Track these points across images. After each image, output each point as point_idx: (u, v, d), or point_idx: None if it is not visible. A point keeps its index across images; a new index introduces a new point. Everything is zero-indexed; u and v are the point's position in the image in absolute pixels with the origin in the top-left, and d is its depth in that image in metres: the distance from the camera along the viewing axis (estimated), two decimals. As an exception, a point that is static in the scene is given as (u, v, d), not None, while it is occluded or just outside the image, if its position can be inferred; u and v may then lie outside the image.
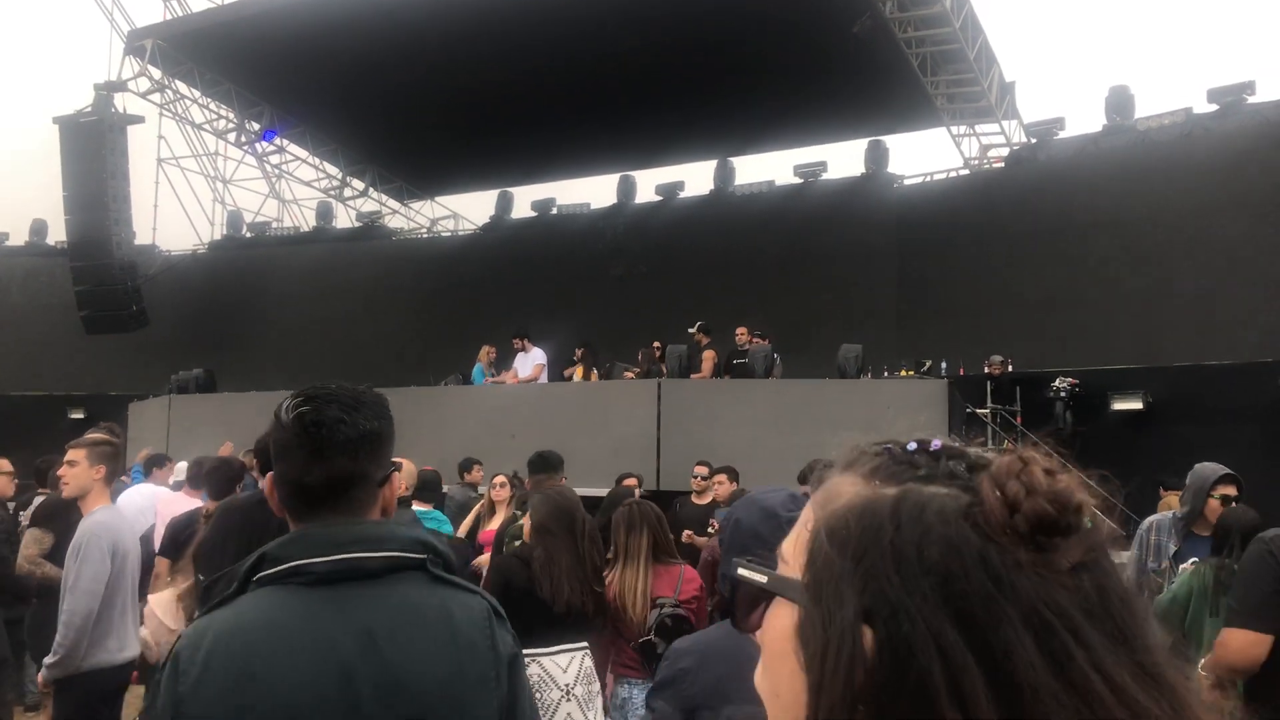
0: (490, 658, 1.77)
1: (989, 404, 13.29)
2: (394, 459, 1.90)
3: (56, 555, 5.36)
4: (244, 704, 1.57)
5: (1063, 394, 13.32)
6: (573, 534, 4.30)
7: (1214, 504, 4.76)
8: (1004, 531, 0.67)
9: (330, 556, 1.68)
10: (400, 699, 1.65)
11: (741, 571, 0.80)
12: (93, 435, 4.80)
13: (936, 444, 0.76)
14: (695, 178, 20.15)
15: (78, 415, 19.49)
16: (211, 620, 1.65)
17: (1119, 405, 13.28)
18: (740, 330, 13.28)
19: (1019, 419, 13.35)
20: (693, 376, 12.50)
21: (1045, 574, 0.66)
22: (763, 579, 0.78)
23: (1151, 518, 5.51)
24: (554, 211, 21.28)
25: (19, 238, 24.02)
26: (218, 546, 4.42)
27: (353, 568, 1.68)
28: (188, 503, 6.39)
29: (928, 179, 18.04)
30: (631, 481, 8.38)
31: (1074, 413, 13.32)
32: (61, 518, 5.57)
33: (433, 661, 1.69)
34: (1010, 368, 13.98)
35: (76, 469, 4.50)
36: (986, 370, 13.84)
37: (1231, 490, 4.77)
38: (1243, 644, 3.38)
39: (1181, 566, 4.57)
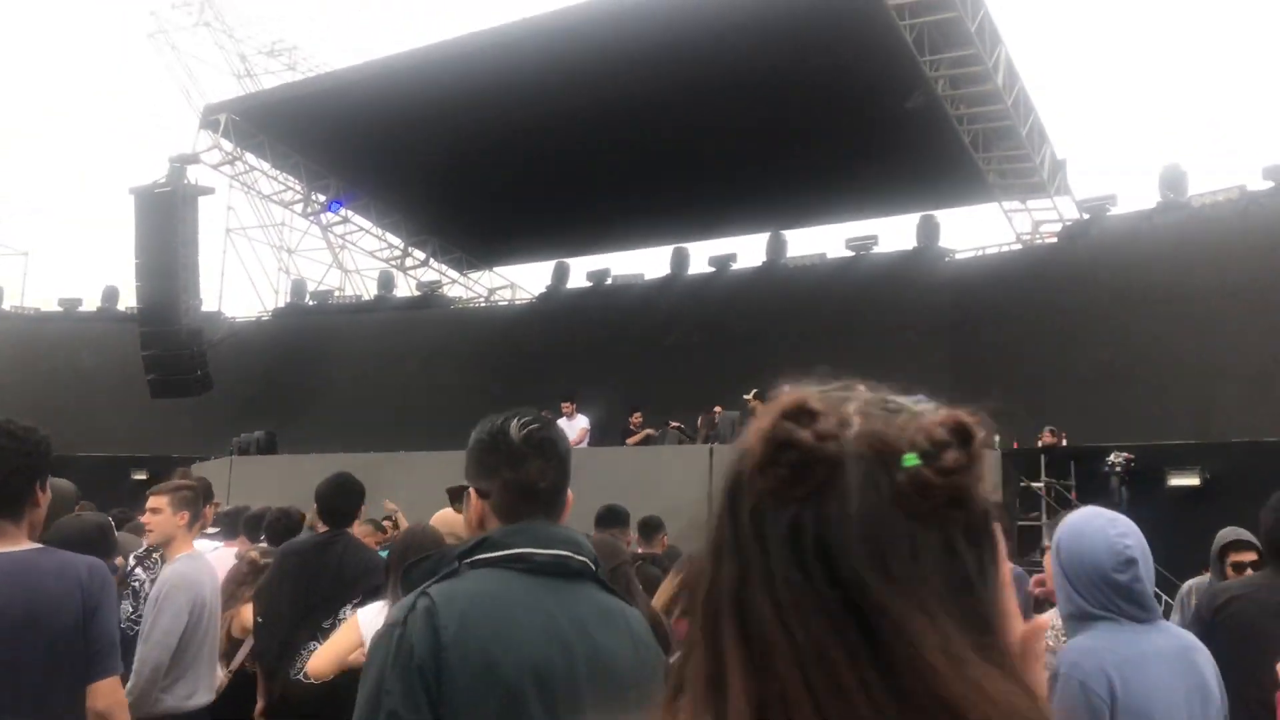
0: (660, 659, 2.07)
1: (1043, 477, 13.20)
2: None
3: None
4: (497, 657, 1.81)
5: (1118, 468, 13.19)
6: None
7: (1229, 571, 4.76)
8: (748, 469, 0.76)
9: (549, 550, 1.96)
10: (607, 679, 1.88)
11: None
12: (174, 481, 4.80)
13: None
14: (748, 250, 20.44)
15: (140, 476, 19.90)
16: (454, 585, 1.90)
17: (1175, 481, 13.11)
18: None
19: (1074, 494, 13.24)
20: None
21: (768, 499, 0.75)
22: None
23: (1190, 581, 5.52)
24: (609, 282, 21.61)
25: (91, 304, 24.88)
26: (274, 586, 4.61)
27: (561, 563, 1.96)
28: (231, 553, 6.44)
29: (980, 253, 18.12)
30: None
31: (1129, 488, 13.18)
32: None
33: (622, 656, 1.94)
34: (1064, 441, 13.87)
35: (160, 516, 4.47)
36: (1040, 444, 13.76)
37: (1247, 556, 4.75)
38: None
39: None
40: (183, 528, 4.52)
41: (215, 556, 7.20)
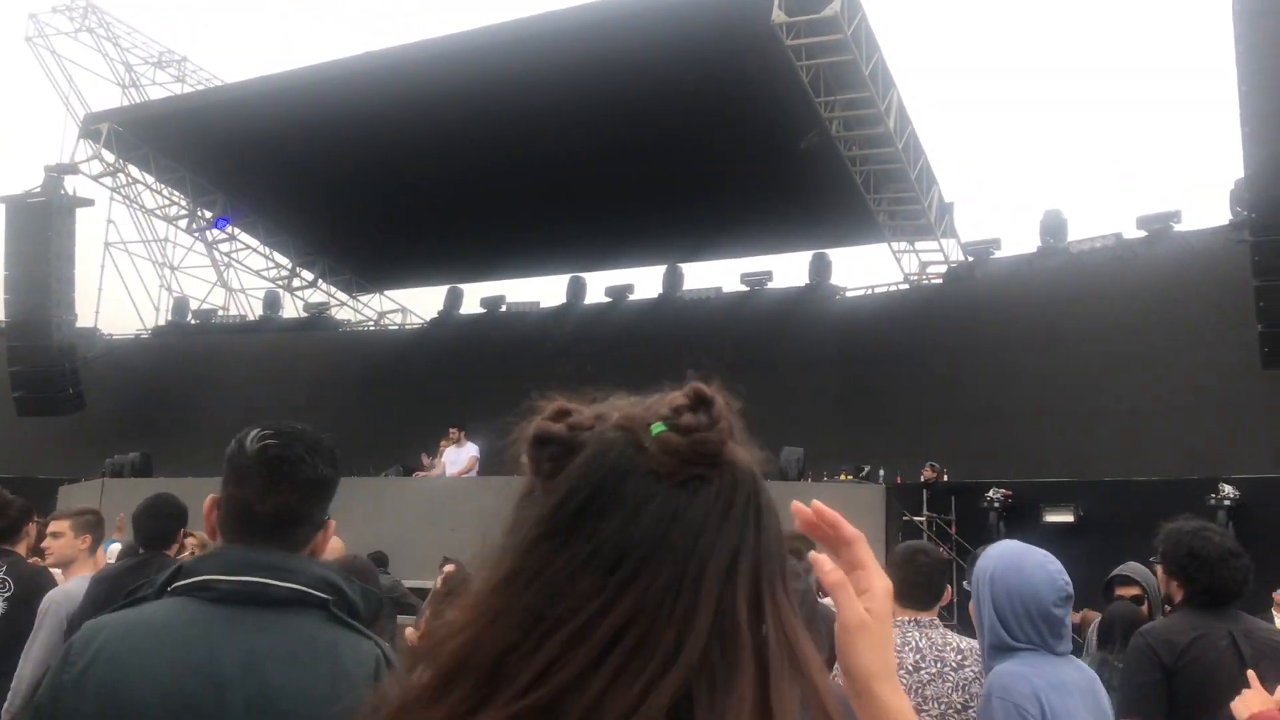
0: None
1: (925, 511, 13.48)
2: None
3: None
4: (117, 700, 1.65)
5: (996, 504, 13.55)
6: None
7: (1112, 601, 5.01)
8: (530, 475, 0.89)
9: (237, 577, 1.77)
10: (269, 717, 1.71)
11: None
12: (77, 506, 5.05)
13: None
14: (645, 281, 20.53)
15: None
16: (110, 618, 1.77)
17: (1050, 517, 13.51)
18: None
19: (954, 528, 13.54)
20: None
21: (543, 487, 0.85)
22: None
23: (1090, 615, 5.75)
24: (503, 309, 21.45)
25: (-45, 317, 23.67)
26: (84, 615, 4.39)
27: (256, 592, 1.77)
28: None
29: (869, 292, 18.52)
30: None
31: (1007, 523, 13.54)
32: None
33: (309, 694, 1.74)
34: (946, 477, 14.20)
35: (62, 540, 4.57)
36: (922, 479, 14.06)
37: (1130, 591, 4.95)
38: None
39: None
40: (85, 550, 4.65)
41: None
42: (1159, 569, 3.90)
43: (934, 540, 12.93)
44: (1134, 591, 5.00)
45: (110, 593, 4.23)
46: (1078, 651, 5.43)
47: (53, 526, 4.69)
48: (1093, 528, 13.38)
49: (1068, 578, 2.78)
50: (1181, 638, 3.54)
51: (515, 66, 14.32)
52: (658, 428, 0.83)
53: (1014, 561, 2.86)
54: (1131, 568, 5.22)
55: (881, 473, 14.30)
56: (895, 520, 12.03)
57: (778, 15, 12.73)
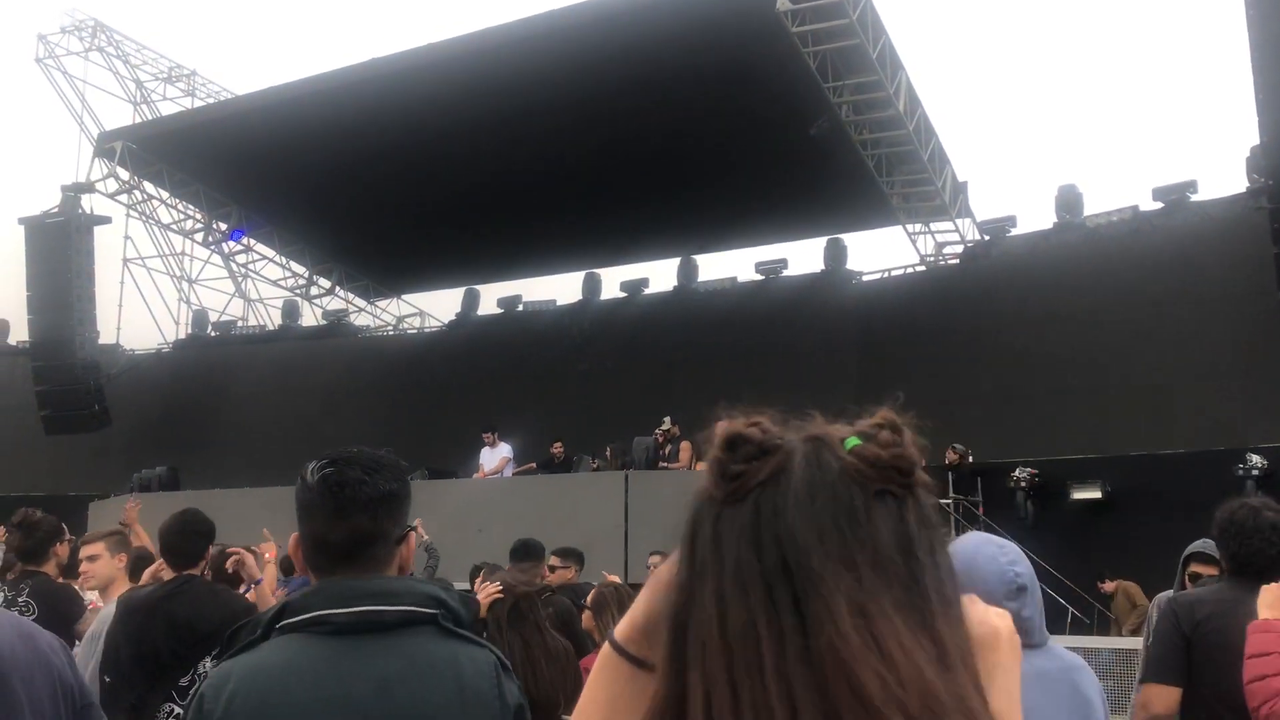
0: (496, 707, 1.88)
1: (951, 494, 13.44)
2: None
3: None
4: None
5: (1023, 484, 13.53)
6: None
7: (1187, 581, 4.84)
8: (708, 480, 0.87)
9: (349, 608, 1.80)
10: None
11: None
12: (105, 528, 4.98)
13: None
14: (660, 275, 20.51)
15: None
16: (236, 663, 1.79)
17: (1078, 495, 13.48)
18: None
19: (980, 509, 13.51)
20: (671, 466, 12.64)
21: (731, 499, 0.85)
22: None
23: (1159, 595, 5.56)
24: (520, 308, 21.49)
25: (-20, 338, 23.91)
26: (116, 643, 4.31)
27: (369, 620, 1.81)
28: None
29: (885, 275, 18.46)
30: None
31: (1035, 502, 13.51)
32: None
33: (442, 709, 1.81)
34: (970, 458, 14.15)
35: (99, 561, 4.54)
36: (946, 461, 14.01)
37: (1205, 569, 4.81)
38: (1150, 696, 3.56)
39: None
40: (122, 569, 4.62)
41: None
42: None
43: (962, 523, 12.92)
44: (1206, 570, 4.81)
45: (145, 624, 4.04)
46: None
47: (87, 550, 4.63)
48: (1121, 503, 13.35)
49: (1022, 568, 2.65)
50: (1205, 607, 3.56)
51: (520, 64, 14.34)
52: (853, 441, 0.86)
53: (968, 556, 2.78)
54: (1208, 544, 5.05)
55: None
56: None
57: (783, 3, 12.71)
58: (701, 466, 0.88)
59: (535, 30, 14.36)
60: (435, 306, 24.33)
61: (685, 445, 12.99)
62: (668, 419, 13.43)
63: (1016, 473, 13.66)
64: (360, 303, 24.34)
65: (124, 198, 19.91)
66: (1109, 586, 11.73)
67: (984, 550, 2.73)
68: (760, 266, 19.32)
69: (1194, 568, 4.87)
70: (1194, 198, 15.44)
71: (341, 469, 1.91)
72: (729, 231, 19.22)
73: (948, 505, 13.18)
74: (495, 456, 13.60)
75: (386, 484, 1.92)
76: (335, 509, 1.88)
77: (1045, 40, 49.74)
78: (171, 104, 22.63)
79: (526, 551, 6.52)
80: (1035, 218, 17.37)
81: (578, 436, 15.12)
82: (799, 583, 0.79)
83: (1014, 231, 17.10)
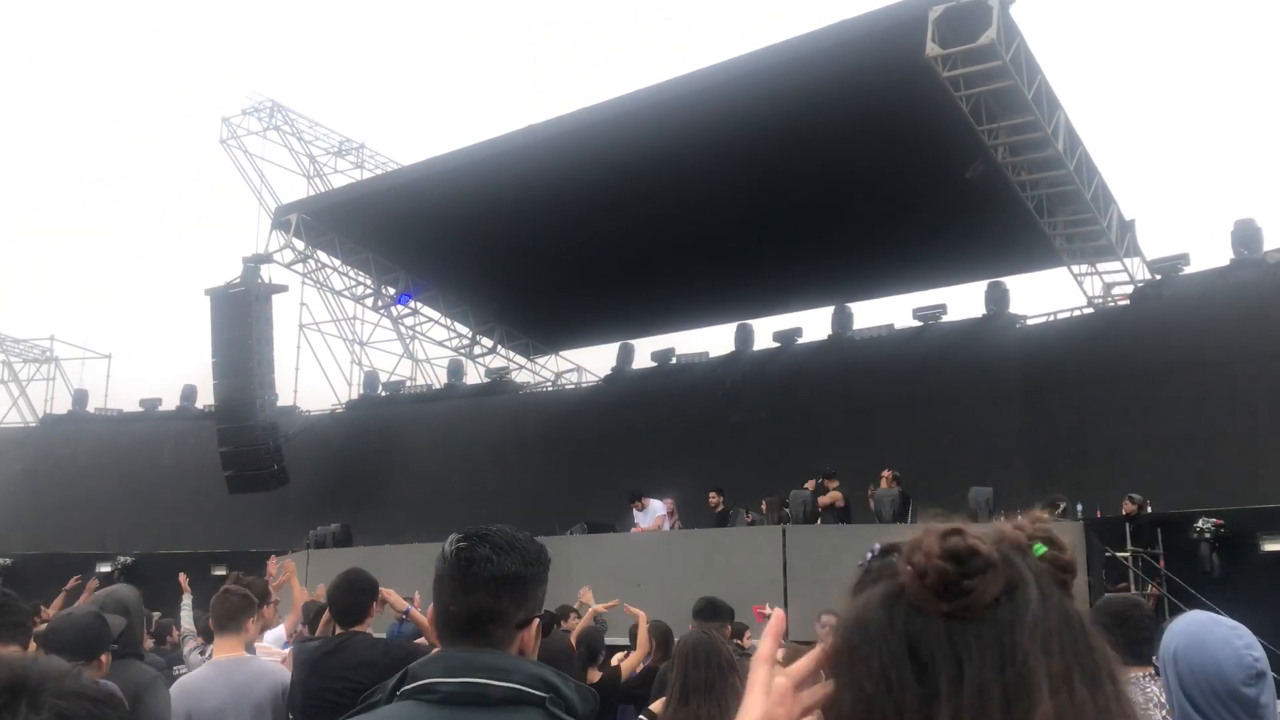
0: None
1: (1129, 547, 12.79)
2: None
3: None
4: None
5: (1207, 535, 12.75)
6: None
7: None
8: (924, 593, 0.91)
9: (457, 679, 1.84)
10: None
11: None
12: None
13: (875, 547, 1.01)
14: (813, 324, 20.35)
15: (220, 571, 20.16)
16: None
17: (1269, 546, 12.64)
18: (884, 473, 13.25)
19: (1161, 562, 12.80)
20: (819, 500, 12.53)
21: (960, 614, 0.90)
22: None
23: None
24: (673, 361, 21.65)
25: (170, 403, 25.54)
26: (289, 696, 4.61)
27: (476, 693, 1.82)
28: None
29: (1051, 318, 17.85)
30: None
31: (1221, 555, 12.72)
32: None
33: None
34: (1149, 508, 13.45)
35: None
36: (1124, 512, 13.36)
37: None
38: None
39: None
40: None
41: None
42: None
43: (1141, 576, 12.29)
44: None
45: (308, 678, 4.35)
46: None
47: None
48: (1319, 555, 12.46)
49: (1260, 653, 2.53)
50: None
51: (673, 124, 14.56)
52: (1040, 548, 0.96)
53: (1197, 637, 2.63)
54: None
55: (1080, 507, 13.66)
56: (1097, 557, 11.46)
57: (932, 49, 12.56)
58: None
59: (687, 89, 14.57)
60: (592, 361, 24.78)
61: (836, 495, 12.85)
62: (823, 472, 13.28)
63: (1200, 523, 12.89)
64: (521, 360, 24.94)
65: (299, 267, 21.00)
66: None
67: (1215, 632, 2.62)
68: (918, 312, 18.95)
69: None
70: (1388, 227, 14.47)
71: (473, 545, 1.95)
72: (884, 278, 18.96)
73: (1125, 558, 12.55)
74: (648, 518, 13.70)
75: (513, 565, 1.95)
76: (460, 583, 1.92)
77: (1212, 69, 47.62)
78: (342, 176, 23.92)
79: (712, 611, 6.15)
80: (1211, 255, 16.54)
81: (730, 489, 15.06)
82: (1016, 692, 0.87)
83: (1187, 270, 16.32)
